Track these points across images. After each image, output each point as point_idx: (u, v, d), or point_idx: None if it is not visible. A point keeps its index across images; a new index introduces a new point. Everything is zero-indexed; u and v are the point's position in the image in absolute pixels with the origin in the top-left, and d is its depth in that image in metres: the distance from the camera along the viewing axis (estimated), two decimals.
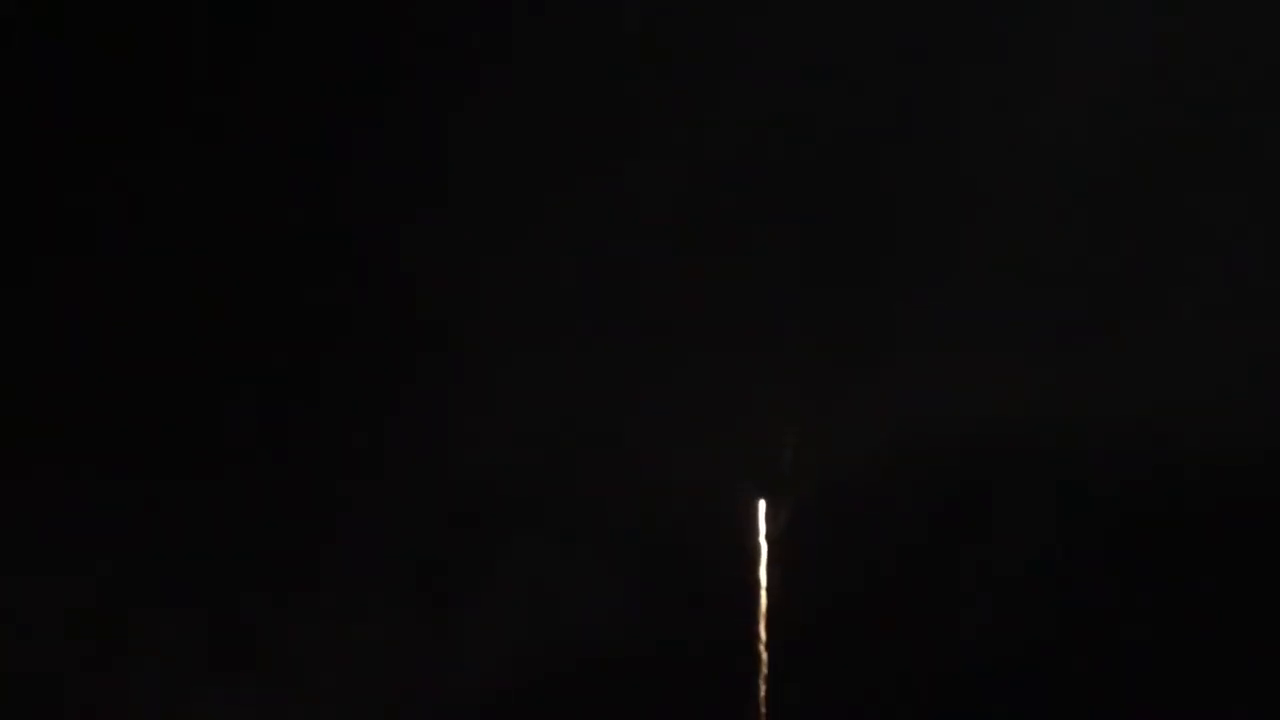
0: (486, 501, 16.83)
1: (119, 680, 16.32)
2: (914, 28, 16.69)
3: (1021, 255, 16.63)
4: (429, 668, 16.59)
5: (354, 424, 16.80)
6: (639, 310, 16.87)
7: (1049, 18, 16.52)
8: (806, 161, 16.84)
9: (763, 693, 16.70)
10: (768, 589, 16.85)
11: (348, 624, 16.58)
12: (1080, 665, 16.45)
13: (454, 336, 16.80)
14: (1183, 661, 16.26)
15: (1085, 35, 16.52)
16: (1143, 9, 16.51)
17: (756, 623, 16.80)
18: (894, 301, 16.78)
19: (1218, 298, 16.59)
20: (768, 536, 16.95)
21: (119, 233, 16.61)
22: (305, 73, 16.64)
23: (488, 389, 16.77)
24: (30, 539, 16.21)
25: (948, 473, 16.71)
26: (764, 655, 16.74)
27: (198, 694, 16.42)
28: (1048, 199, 16.64)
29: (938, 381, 16.58)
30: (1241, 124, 16.60)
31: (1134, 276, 16.67)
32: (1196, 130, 16.57)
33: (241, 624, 16.49)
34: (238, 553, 16.50)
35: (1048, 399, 16.47)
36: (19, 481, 16.21)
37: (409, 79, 16.66)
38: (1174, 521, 16.51)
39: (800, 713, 16.66)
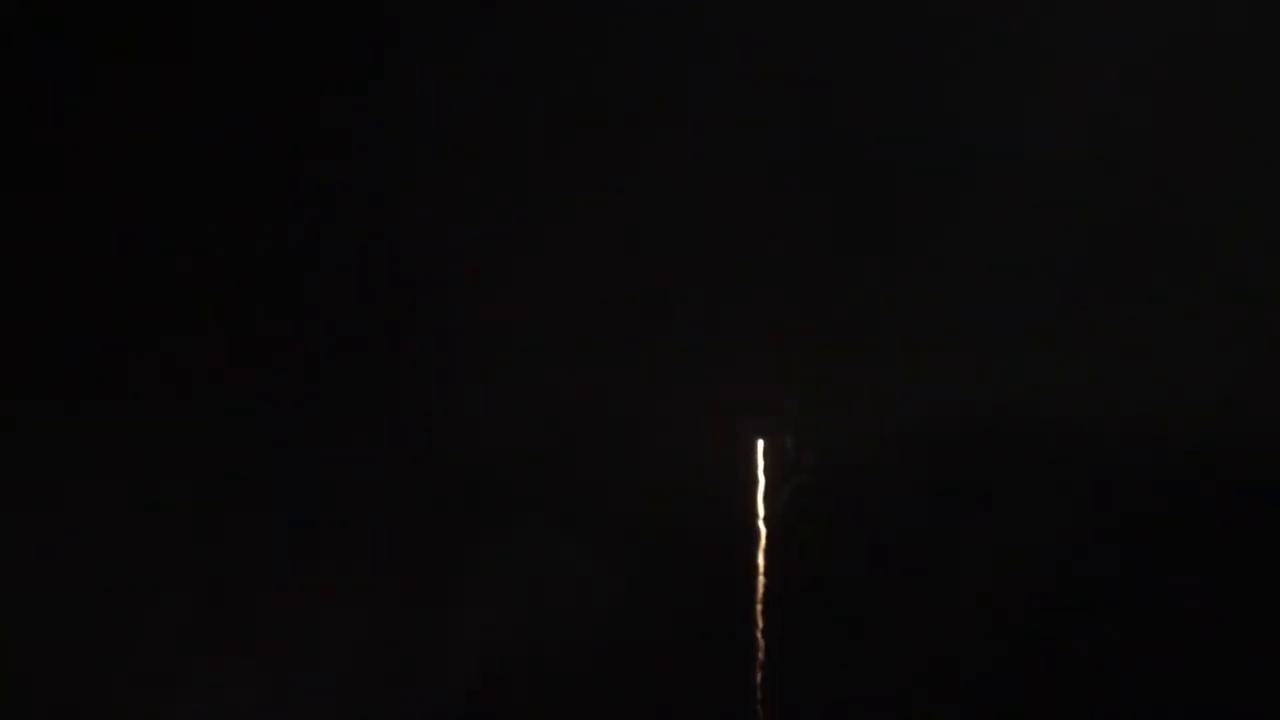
0: (483, 487, 16.96)
1: (113, 668, 16.59)
2: (912, 27, 16.61)
3: (1024, 246, 16.67)
4: (425, 652, 16.83)
5: (351, 413, 16.92)
6: (639, 301, 16.94)
7: (1049, 16, 16.45)
8: (811, 155, 16.86)
9: (759, 679, 16.96)
10: (766, 571, 17.02)
11: (344, 610, 16.78)
12: (1077, 643, 16.61)
13: (450, 325, 16.91)
14: (1180, 646, 16.42)
15: (1086, 33, 16.44)
16: (1143, 8, 16.45)
17: (754, 605, 16.98)
18: (898, 290, 16.82)
19: (1217, 291, 16.60)
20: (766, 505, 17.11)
21: (121, 229, 16.69)
22: (309, 74, 16.65)
23: (484, 377, 16.85)
24: (28, 530, 16.51)
25: (948, 457, 16.77)
26: (761, 641, 16.96)
27: (194, 677, 16.64)
28: (1050, 193, 16.65)
29: (940, 368, 16.63)
30: (1243, 122, 16.55)
31: (1135, 269, 16.71)
32: (1197, 128, 16.53)
33: (237, 608, 16.71)
34: (233, 539, 16.70)
35: (1048, 387, 16.55)
36: (16, 473, 16.48)
37: (413, 79, 16.68)
38: (1171, 506, 16.60)
39: (796, 699, 16.91)
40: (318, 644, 16.68)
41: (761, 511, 17.03)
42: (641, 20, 16.52)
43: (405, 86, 16.61)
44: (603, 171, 16.60)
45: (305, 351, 16.96)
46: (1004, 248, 16.65)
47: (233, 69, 16.58)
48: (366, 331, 17.00)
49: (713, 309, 16.98)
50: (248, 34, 16.51)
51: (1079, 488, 16.67)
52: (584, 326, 16.88)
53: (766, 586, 16.94)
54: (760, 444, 17.06)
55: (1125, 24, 16.43)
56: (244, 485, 16.76)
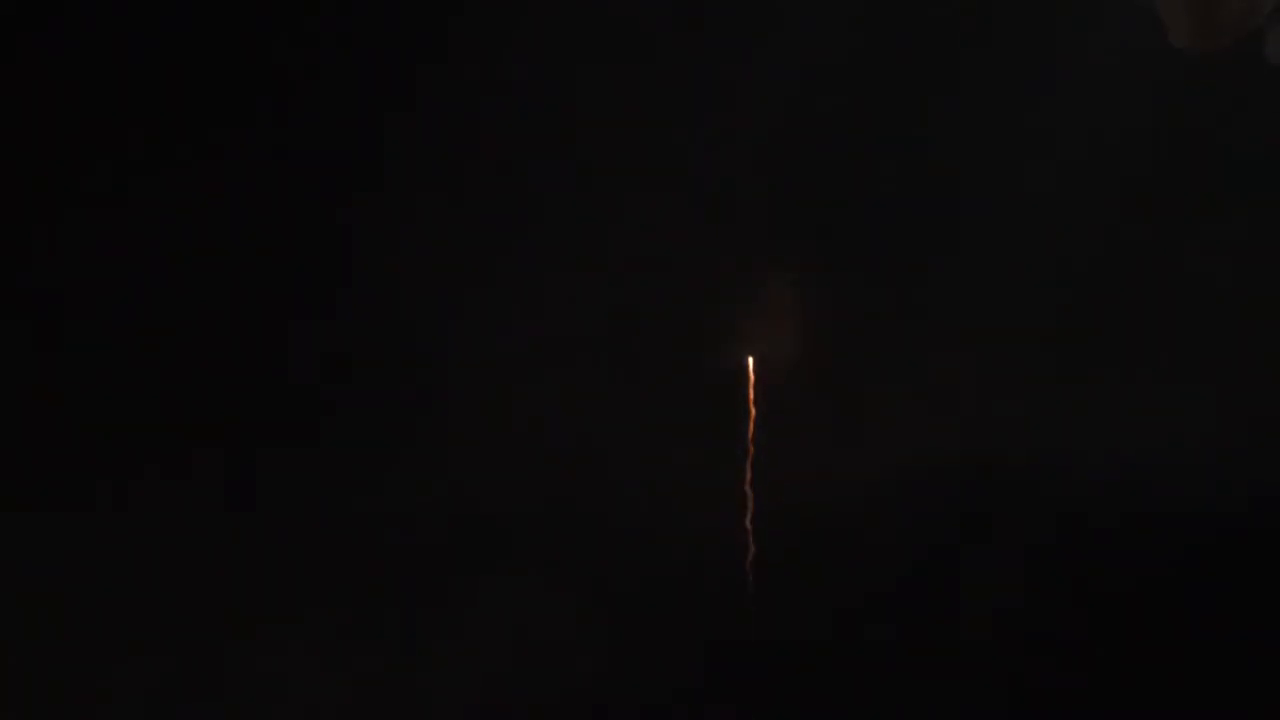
0: (464, 530, 16.74)
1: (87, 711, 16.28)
2: (920, 34, 16.67)
3: (1027, 283, 16.60)
4: (405, 701, 16.48)
5: (329, 456, 16.68)
6: (626, 330, 16.83)
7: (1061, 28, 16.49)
8: (804, 185, 16.85)
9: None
10: (757, 622, 16.75)
11: (323, 660, 16.44)
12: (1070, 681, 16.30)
13: (432, 361, 16.77)
14: (1177, 690, 16.06)
15: (1087, 82, 16.51)
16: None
17: (744, 658, 16.68)
18: (899, 323, 16.76)
19: (1222, 333, 16.48)
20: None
21: (112, 239, 16.65)
22: (305, 79, 16.70)
23: (465, 414, 16.68)
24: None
25: (946, 496, 16.64)
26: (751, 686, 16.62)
27: None
28: (1052, 227, 16.62)
29: (938, 407, 16.56)
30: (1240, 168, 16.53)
31: (1138, 308, 16.62)
32: (1194, 176, 16.53)
33: (215, 657, 16.36)
34: (212, 584, 16.37)
35: (1049, 428, 16.45)
36: None
37: (409, 86, 16.70)
38: (1168, 550, 16.37)
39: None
40: (292, 695, 16.35)
41: (752, 561, 16.84)
42: (644, 27, 16.61)
43: (407, 95, 16.66)
44: (597, 198, 16.62)
45: (278, 393, 16.76)
46: (997, 296, 16.65)
47: (230, 76, 16.72)
48: (342, 374, 16.82)
49: (713, 345, 16.92)
50: (243, 37, 16.63)
51: (1082, 531, 16.52)
52: (568, 358, 16.80)
53: (758, 636, 16.69)
54: (751, 496, 16.90)
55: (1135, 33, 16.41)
56: (218, 523, 16.55)
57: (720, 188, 16.62)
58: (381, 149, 16.52)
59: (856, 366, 16.81)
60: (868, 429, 16.53)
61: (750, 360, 16.88)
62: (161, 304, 16.52)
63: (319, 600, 16.38)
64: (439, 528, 16.61)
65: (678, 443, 16.67)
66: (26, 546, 16.09)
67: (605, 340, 16.75)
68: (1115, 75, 16.35)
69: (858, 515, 16.57)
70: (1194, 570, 16.22)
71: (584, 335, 16.73)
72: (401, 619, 16.51)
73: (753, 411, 16.76)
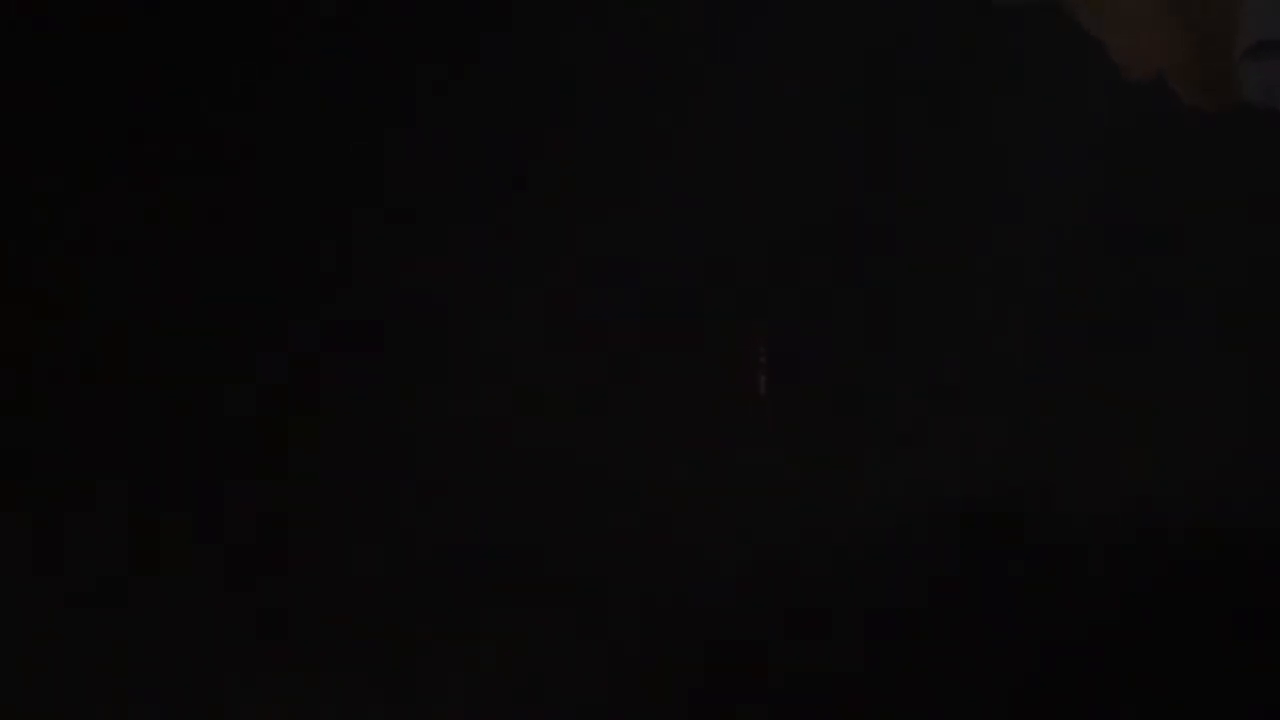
0: (462, 551, 16.40)
1: None
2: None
3: (1029, 320, 15.97)
4: None
5: (313, 481, 16.32)
6: (626, 341, 16.41)
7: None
8: (818, 198, 16.33)
9: None
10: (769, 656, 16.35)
11: (308, 706, 16.06)
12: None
13: (417, 372, 16.39)
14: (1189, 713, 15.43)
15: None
16: None
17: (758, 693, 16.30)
18: (898, 361, 16.23)
19: (1232, 374, 15.75)
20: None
21: (117, 237, 16.54)
22: (306, 76, 16.43)
23: (456, 434, 16.31)
24: None
25: (959, 520, 16.13)
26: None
27: None
28: (1056, 268, 15.95)
29: (939, 447, 16.00)
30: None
31: (1145, 343, 15.93)
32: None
33: (198, 702, 16.07)
34: (192, 622, 16.09)
35: (1066, 452, 15.82)
36: None
37: (410, 82, 16.32)
38: (1189, 575, 15.70)
39: None
40: None
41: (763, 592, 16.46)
42: (638, 33, 16.15)
43: (407, 90, 16.31)
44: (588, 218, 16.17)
45: (258, 413, 16.45)
46: (1012, 314, 16.02)
47: (234, 71, 16.51)
48: (325, 393, 16.48)
49: (710, 384, 16.48)
50: (245, 36, 16.42)
51: (1082, 577, 15.92)
52: (565, 385, 16.37)
53: (770, 671, 16.33)
54: (758, 526, 16.51)
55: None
56: (202, 556, 16.34)
57: (725, 198, 16.18)
58: (379, 149, 16.23)
59: (868, 387, 16.35)
60: (879, 452, 16.06)
61: (761, 380, 16.43)
62: (156, 307, 16.42)
63: (315, 622, 16.22)
64: (434, 550, 16.34)
65: (686, 465, 16.31)
66: (24, 552, 16.10)
67: (605, 352, 16.39)
68: (1113, 99, 15.66)
69: (867, 540, 16.15)
70: (1212, 596, 15.63)
71: (583, 348, 16.37)
72: (402, 647, 16.24)
73: (762, 432, 16.30)
